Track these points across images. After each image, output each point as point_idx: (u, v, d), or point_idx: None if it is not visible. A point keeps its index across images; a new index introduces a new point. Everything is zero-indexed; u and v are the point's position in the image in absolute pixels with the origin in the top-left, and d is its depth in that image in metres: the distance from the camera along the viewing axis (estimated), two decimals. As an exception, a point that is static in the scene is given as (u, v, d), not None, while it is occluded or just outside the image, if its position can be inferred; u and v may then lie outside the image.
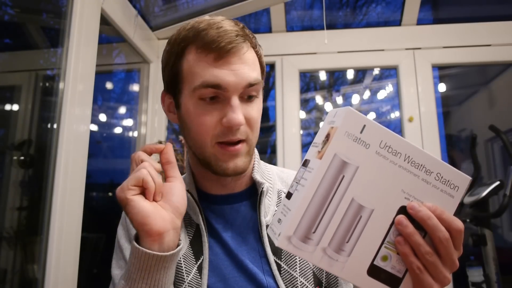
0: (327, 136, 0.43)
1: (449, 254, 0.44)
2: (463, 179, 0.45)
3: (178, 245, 0.54)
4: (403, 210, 0.44)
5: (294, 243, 0.42)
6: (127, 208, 0.50)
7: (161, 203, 0.54)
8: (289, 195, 0.45)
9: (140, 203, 0.51)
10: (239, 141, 0.61)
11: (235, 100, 0.59)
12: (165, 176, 0.59)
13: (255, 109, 0.63)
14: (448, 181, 0.44)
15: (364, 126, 0.42)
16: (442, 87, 2.55)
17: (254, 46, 0.65)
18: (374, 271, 0.44)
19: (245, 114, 0.61)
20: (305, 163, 0.46)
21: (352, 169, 0.42)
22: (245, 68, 0.60)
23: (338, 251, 0.43)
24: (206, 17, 0.63)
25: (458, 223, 0.44)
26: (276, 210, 0.67)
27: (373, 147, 0.43)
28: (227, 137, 0.60)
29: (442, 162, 0.44)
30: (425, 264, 0.44)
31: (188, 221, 0.66)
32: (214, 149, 0.61)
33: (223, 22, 0.61)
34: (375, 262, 0.44)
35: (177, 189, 0.56)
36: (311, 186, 0.42)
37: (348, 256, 0.43)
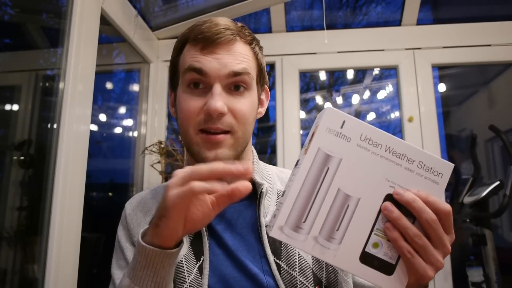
0: (312, 135, 0.46)
1: (438, 237, 0.44)
2: (446, 165, 0.46)
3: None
4: (389, 197, 0.45)
5: (286, 233, 0.44)
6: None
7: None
8: (283, 193, 0.48)
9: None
10: (223, 132, 0.61)
11: (217, 88, 0.60)
12: None
13: (243, 102, 0.63)
14: (431, 168, 0.46)
15: (344, 121, 0.45)
16: (442, 87, 2.55)
17: (250, 43, 0.66)
18: (366, 258, 0.45)
19: (229, 105, 0.61)
20: (296, 164, 0.48)
21: (336, 161, 0.45)
22: (230, 58, 0.61)
23: (329, 239, 0.44)
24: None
25: (445, 205, 0.44)
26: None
27: (354, 140, 0.45)
28: (207, 124, 0.60)
29: (423, 151, 0.46)
30: (415, 247, 0.44)
31: None
32: (197, 137, 0.61)
33: (219, 19, 0.63)
34: (366, 249, 0.45)
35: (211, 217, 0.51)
36: (299, 179, 0.44)
37: (339, 244, 0.44)
